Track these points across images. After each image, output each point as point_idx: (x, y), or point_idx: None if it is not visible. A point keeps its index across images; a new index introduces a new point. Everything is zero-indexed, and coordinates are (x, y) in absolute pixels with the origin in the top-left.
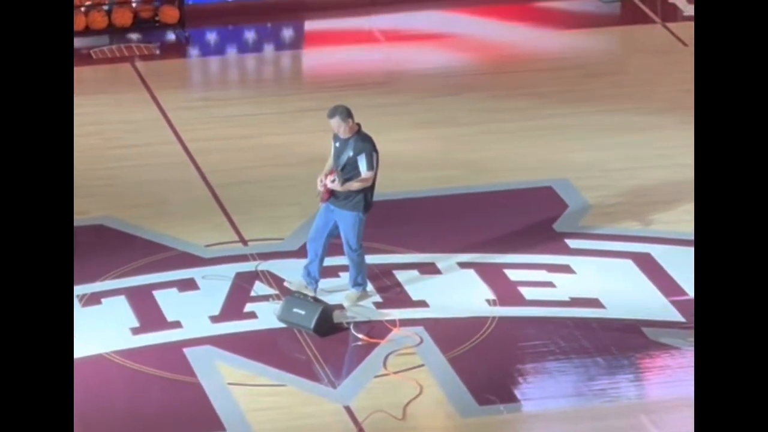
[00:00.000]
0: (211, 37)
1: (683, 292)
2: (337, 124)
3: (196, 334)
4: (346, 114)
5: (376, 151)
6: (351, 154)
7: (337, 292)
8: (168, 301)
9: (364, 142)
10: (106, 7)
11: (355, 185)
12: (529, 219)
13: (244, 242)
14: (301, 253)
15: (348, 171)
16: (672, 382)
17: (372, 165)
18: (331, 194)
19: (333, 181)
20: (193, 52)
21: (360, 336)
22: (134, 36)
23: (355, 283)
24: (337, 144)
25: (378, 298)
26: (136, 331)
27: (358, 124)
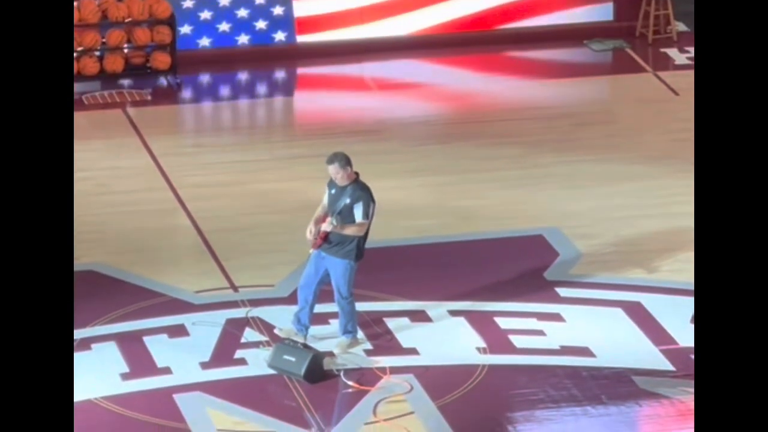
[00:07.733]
0: (203, 83)
1: (673, 341)
2: (335, 170)
3: (186, 380)
4: (345, 161)
5: (373, 201)
6: (348, 201)
7: (328, 339)
8: (158, 347)
9: (362, 191)
10: (97, 53)
11: (350, 229)
12: (520, 267)
13: (235, 288)
14: (291, 299)
15: (343, 218)
16: (662, 431)
17: (367, 214)
18: (324, 241)
19: (330, 223)
20: (185, 98)
21: (350, 383)
22: (126, 82)
23: (346, 331)
24: (333, 191)
25: (368, 346)
26: (126, 376)
27: (357, 173)
